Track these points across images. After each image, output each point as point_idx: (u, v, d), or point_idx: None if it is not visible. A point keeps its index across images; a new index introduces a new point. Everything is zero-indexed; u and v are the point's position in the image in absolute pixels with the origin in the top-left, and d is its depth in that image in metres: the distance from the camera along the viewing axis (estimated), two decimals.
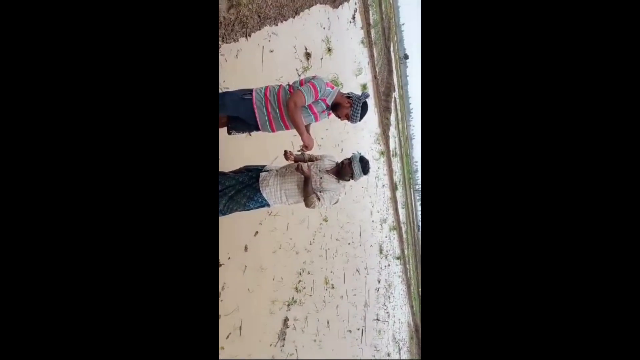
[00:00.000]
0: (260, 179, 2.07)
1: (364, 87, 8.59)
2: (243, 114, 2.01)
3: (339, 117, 2.13)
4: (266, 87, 2.04)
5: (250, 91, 2.03)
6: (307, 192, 2.00)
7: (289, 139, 3.45)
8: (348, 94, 2.11)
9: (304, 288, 3.99)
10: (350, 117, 2.09)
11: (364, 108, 2.09)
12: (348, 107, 2.06)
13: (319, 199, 2.01)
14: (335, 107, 2.10)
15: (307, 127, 2.07)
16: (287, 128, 2.06)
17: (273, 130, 2.07)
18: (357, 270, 6.53)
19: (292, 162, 2.17)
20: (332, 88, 2.04)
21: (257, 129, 2.07)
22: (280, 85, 2.05)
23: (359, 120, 2.13)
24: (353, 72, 7.97)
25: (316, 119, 2.09)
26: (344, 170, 2.12)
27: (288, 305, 3.53)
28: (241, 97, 2.01)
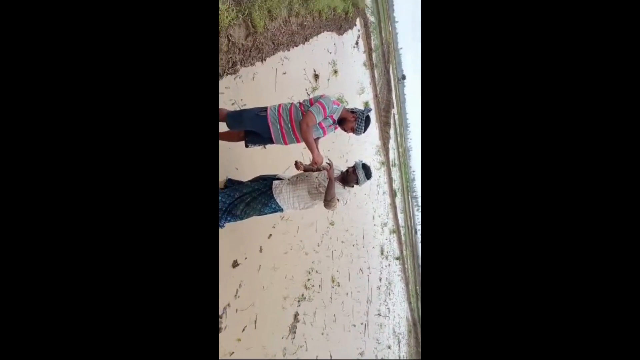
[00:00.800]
0: (273, 187, 2.07)
1: (366, 104, 8.60)
2: (259, 128, 2.03)
3: (345, 130, 2.12)
4: (279, 105, 2.05)
5: (265, 109, 2.04)
6: (331, 194, 2.00)
7: (300, 151, 3.46)
8: (352, 109, 2.10)
9: (313, 286, 3.95)
10: (355, 130, 2.07)
11: (367, 121, 2.08)
12: (353, 121, 2.05)
13: (338, 200, 2.02)
14: (341, 122, 2.09)
15: (316, 140, 2.07)
16: (297, 141, 2.06)
17: (285, 143, 2.07)
18: (360, 269, 6.45)
19: (302, 171, 2.17)
20: (338, 105, 2.04)
21: (271, 142, 2.08)
22: (292, 104, 2.05)
23: (364, 132, 2.12)
24: (356, 91, 7.99)
25: (324, 133, 2.08)
26: (349, 177, 2.11)
27: (298, 301, 3.50)
28: (257, 113, 2.02)
